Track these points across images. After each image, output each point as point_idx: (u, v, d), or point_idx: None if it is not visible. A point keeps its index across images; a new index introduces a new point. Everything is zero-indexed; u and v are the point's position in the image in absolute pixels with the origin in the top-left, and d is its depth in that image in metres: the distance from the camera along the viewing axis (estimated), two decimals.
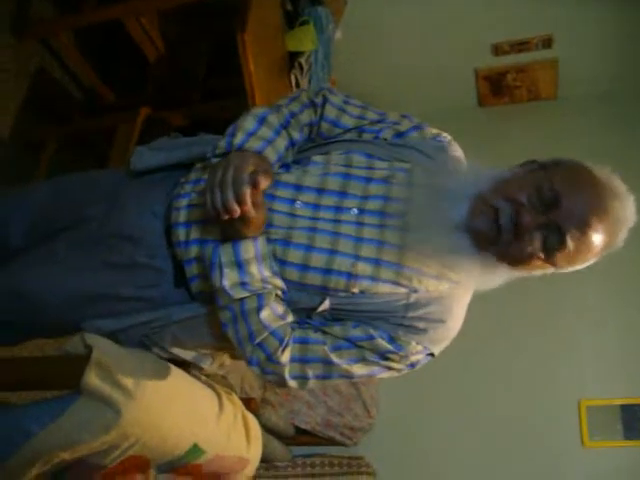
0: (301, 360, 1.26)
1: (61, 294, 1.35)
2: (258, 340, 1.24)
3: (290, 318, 1.27)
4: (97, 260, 1.35)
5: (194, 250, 1.29)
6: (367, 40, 4.01)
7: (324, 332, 1.27)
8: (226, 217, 1.16)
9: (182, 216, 1.32)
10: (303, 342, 1.26)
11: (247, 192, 1.14)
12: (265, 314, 1.23)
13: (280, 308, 1.26)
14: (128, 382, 1.30)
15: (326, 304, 1.26)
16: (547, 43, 4.07)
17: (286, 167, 1.34)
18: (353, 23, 3.50)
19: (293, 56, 2.78)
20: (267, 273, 1.23)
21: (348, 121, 1.40)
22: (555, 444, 3.76)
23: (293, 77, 2.77)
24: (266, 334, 1.24)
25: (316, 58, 2.85)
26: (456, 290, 1.32)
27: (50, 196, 1.50)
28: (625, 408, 3.81)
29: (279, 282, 1.25)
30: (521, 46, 4.12)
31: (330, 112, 1.41)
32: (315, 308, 1.27)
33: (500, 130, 4.46)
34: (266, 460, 3.41)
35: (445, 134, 1.41)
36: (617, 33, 3.95)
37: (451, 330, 1.33)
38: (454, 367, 3.37)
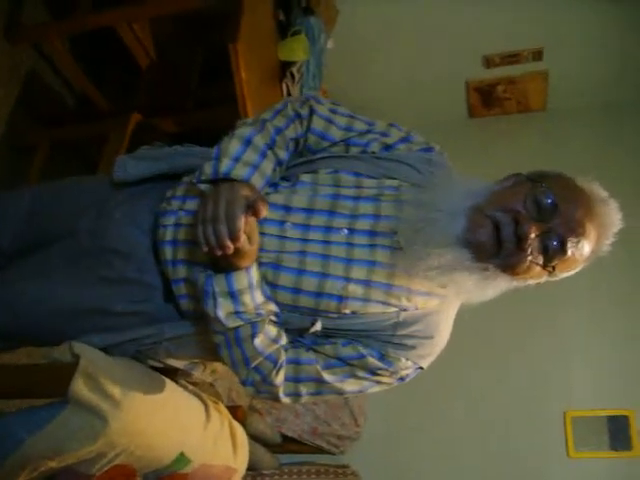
0: (295, 379, 1.28)
1: (53, 308, 1.34)
2: (253, 364, 1.26)
3: (283, 340, 1.28)
4: (89, 274, 1.34)
5: (182, 270, 1.28)
6: (358, 51, 4.04)
7: (315, 351, 1.28)
8: (219, 253, 1.14)
9: (169, 234, 1.30)
10: (296, 362, 1.27)
11: (241, 228, 1.12)
12: (259, 340, 1.23)
13: (273, 332, 1.26)
14: (115, 391, 1.30)
15: (318, 326, 1.26)
16: (537, 56, 4.11)
17: (274, 186, 1.33)
18: (345, 33, 3.52)
19: (285, 65, 2.80)
20: (260, 300, 1.23)
21: (335, 133, 1.37)
22: (540, 454, 3.77)
23: (285, 86, 2.78)
24: (261, 359, 1.25)
25: (308, 68, 2.87)
26: (444, 305, 1.32)
27: (38, 203, 1.48)
28: (611, 419, 3.82)
29: (272, 307, 1.25)
30: (512, 58, 4.15)
31: (317, 124, 1.37)
32: (307, 329, 1.27)
33: (490, 140, 4.49)
34: (253, 468, 3.40)
35: (433, 144, 1.40)
36: (606, 46, 3.99)
37: (439, 344, 1.34)
38: (441, 377, 3.37)
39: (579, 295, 3.74)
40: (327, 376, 1.27)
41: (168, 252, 1.30)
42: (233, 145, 1.27)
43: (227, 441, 1.77)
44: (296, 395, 1.30)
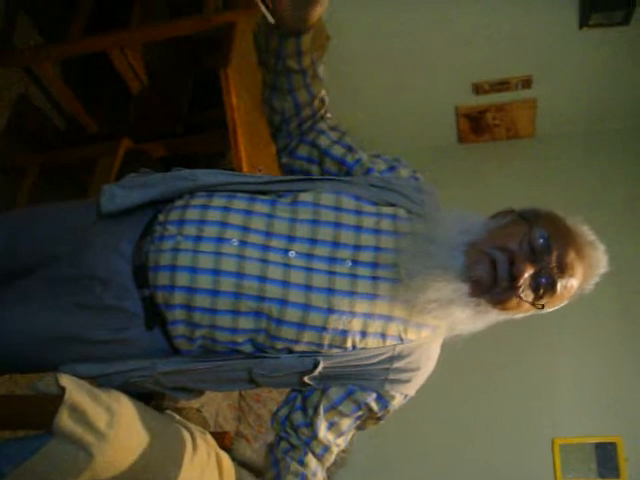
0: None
1: (33, 336, 1.32)
2: None
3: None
4: (68, 301, 1.32)
5: (180, 296, 1.26)
6: (349, 76, 4.06)
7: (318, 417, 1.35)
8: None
9: (166, 259, 1.27)
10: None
11: None
12: None
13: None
14: (101, 424, 1.28)
15: (320, 367, 1.27)
16: (526, 84, 4.16)
17: (272, 202, 1.33)
18: (335, 59, 3.55)
19: None
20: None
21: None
22: None
23: None
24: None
25: None
26: (434, 335, 1.35)
27: (17, 230, 1.46)
28: (599, 446, 3.82)
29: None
30: (501, 86, 4.20)
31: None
32: (309, 372, 1.28)
33: (479, 166, 4.52)
34: None
35: (418, 174, 1.45)
36: (594, 75, 4.05)
37: (426, 373, 1.39)
38: (428, 404, 3.37)
39: (566, 323, 3.75)
40: (342, 443, 1.40)
41: (165, 277, 1.27)
42: None
43: (214, 471, 1.75)
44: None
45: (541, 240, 1.25)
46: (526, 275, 1.23)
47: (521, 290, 1.23)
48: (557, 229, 1.28)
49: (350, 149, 1.44)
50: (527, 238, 1.25)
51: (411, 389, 1.37)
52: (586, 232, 1.32)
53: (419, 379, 1.37)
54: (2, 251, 1.45)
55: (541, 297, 1.26)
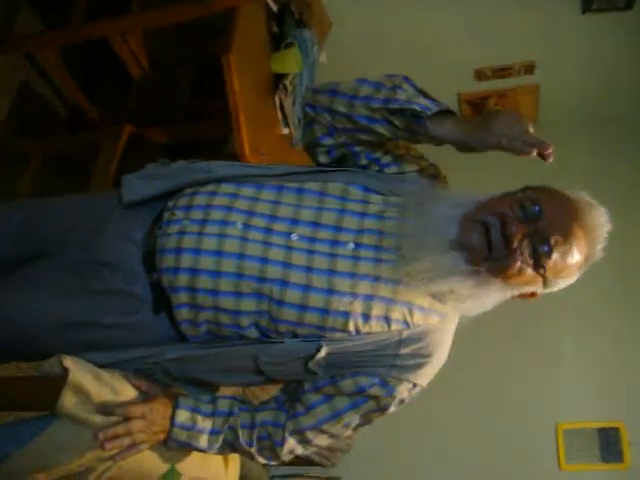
0: (302, 441, 1.37)
1: (41, 321, 1.33)
2: (256, 452, 1.37)
3: (259, 418, 1.36)
4: (77, 286, 1.34)
5: (184, 278, 1.28)
6: (351, 63, 4.02)
7: (319, 393, 1.33)
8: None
9: (172, 242, 1.29)
10: (300, 432, 1.34)
11: None
12: (242, 438, 1.35)
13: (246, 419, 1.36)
14: (105, 404, 1.29)
15: (323, 352, 1.26)
16: (529, 69, 4.14)
17: (279, 189, 1.35)
18: (337, 46, 3.54)
19: (278, 77, 2.80)
20: (209, 424, 1.34)
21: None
22: (532, 467, 3.78)
23: (277, 99, 2.78)
24: (254, 448, 1.36)
25: (300, 80, 2.88)
26: (443, 323, 1.33)
27: (30, 219, 1.47)
28: (602, 431, 3.84)
29: (224, 404, 1.37)
30: (503, 72, 4.18)
31: None
32: (312, 356, 1.27)
33: (481, 154, 4.49)
34: None
35: (441, 171, 1.46)
36: (597, 61, 4.03)
37: (438, 362, 1.36)
38: (431, 391, 3.37)
39: (569, 309, 3.75)
40: (333, 429, 1.35)
41: (171, 260, 1.29)
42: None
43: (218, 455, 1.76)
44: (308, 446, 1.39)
45: (532, 203, 1.24)
46: (520, 236, 1.21)
47: (518, 254, 1.21)
48: (550, 194, 1.28)
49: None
50: (518, 202, 1.25)
51: (421, 378, 1.32)
52: (584, 196, 1.30)
53: (431, 367, 1.33)
54: (13, 239, 1.46)
55: (540, 259, 1.22)
